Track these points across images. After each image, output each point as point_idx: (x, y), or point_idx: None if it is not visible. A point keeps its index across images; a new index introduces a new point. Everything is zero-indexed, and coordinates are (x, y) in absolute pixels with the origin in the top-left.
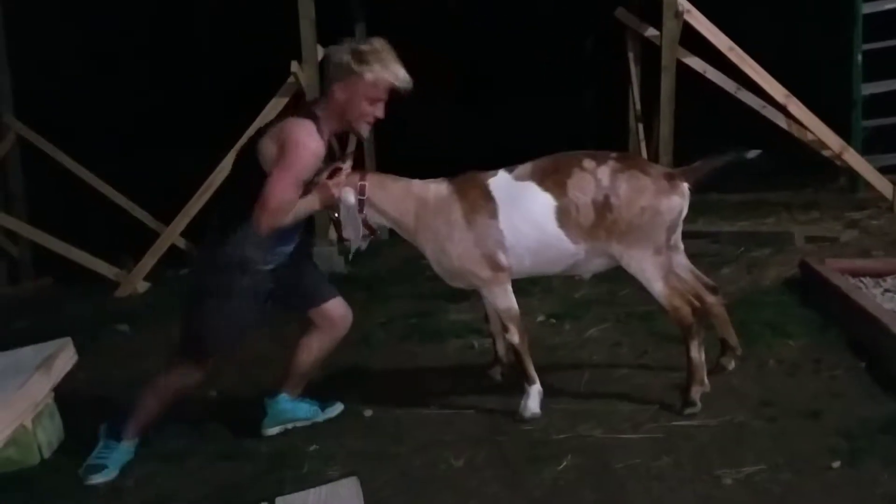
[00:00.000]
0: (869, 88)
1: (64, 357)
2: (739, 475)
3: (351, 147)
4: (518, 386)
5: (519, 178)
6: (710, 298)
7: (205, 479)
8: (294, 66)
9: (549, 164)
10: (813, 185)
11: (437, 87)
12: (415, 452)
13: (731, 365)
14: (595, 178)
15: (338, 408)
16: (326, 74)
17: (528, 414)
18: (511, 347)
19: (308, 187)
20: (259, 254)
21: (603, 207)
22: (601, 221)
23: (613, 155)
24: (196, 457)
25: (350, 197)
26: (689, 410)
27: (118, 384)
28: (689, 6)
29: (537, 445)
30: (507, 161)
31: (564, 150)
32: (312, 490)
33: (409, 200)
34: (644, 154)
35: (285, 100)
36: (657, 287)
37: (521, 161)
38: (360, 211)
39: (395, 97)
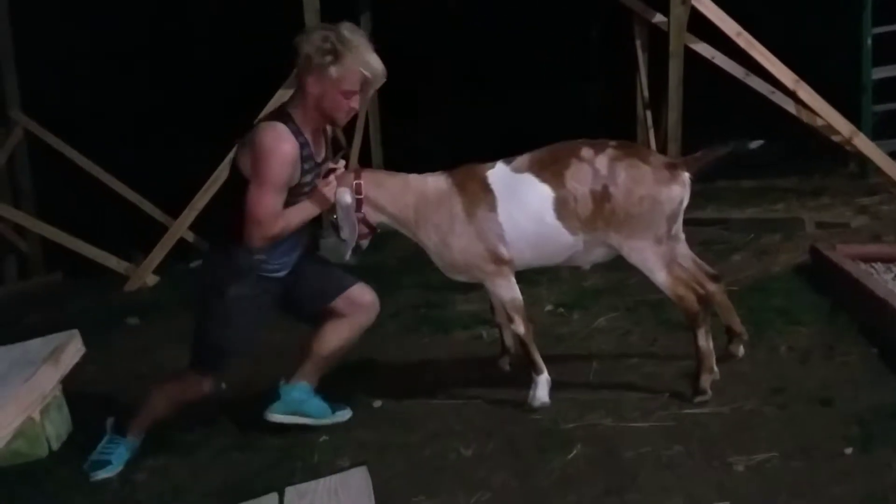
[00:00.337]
0: (879, 73)
1: (72, 349)
2: (751, 462)
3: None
4: (526, 376)
5: (517, 170)
6: (712, 286)
7: (216, 470)
8: None
9: (547, 155)
10: (823, 171)
11: (442, 79)
12: (424, 442)
13: (741, 351)
14: (593, 167)
15: (346, 413)
16: (299, 67)
17: (536, 403)
18: (517, 338)
19: (296, 189)
20: (266, 261)
21: (601, 197)
22: (599, 212)
23: (612, 143)
24: (207, 449)
25: (346, 197)
26: (699, 399)
27: (128, 377)
28: None
29: (546, 435)
30: (515, 153)
31: (571, 139)
32: (322, 479)
33: (408, 195)
34: (653, 142)
35: (291, 91)
36: (660, 277)
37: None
38: (358, 210)
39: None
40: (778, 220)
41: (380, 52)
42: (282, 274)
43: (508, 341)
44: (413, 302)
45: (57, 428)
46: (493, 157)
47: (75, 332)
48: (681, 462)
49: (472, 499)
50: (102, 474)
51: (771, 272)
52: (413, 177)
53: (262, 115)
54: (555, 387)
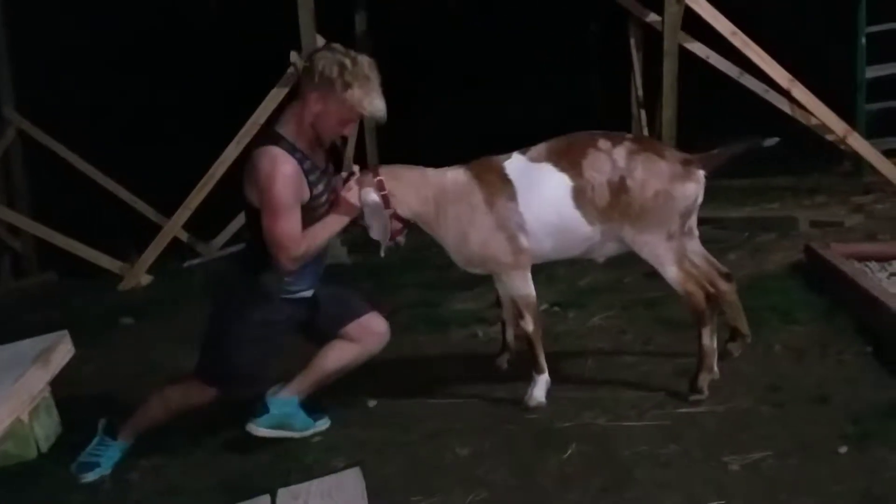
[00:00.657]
0: (873, 71)
1: (61, 350)
2: (747, 461)
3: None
4: (523, 375)
5: (534, 160)
6: (724, 286)
7: (210, 471)
8: (293, 56)
9: (564, 145)
10: (817, 170)
11: (437, 79)
12: (421, 442)
13: (738, 351)
14: (611, 158)
15: (326, 422)
16: (306, 77)
17: (533, 402)
18: (525, 335)
19: (313, 202)
20: (292, 282)
21: (618, 188)
22: (615, 203)
23: (629, 136)
24: (201, 449)
25: (372, 196)
26: (694, 398)
27: (122, 377)
28: None
29: (543, 433)
30: (508, 148)
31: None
32: (315, 481)
33: (427, 188)
34: None
35: (285, 90)
36: (670, 272)
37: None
38: (387, 206)
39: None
40: (772, 219)
41: (375, 50)
42: (309, 294)
43: (509, 339)
44: (410, 301)
45: (46, 429)
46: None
47: (65, 332)
48: (677, 461)
49: (469, 498)
50: (90, 476)
51: (766, 271)
52: (430, 170)
53: (254, 116)
54: (551, 385)
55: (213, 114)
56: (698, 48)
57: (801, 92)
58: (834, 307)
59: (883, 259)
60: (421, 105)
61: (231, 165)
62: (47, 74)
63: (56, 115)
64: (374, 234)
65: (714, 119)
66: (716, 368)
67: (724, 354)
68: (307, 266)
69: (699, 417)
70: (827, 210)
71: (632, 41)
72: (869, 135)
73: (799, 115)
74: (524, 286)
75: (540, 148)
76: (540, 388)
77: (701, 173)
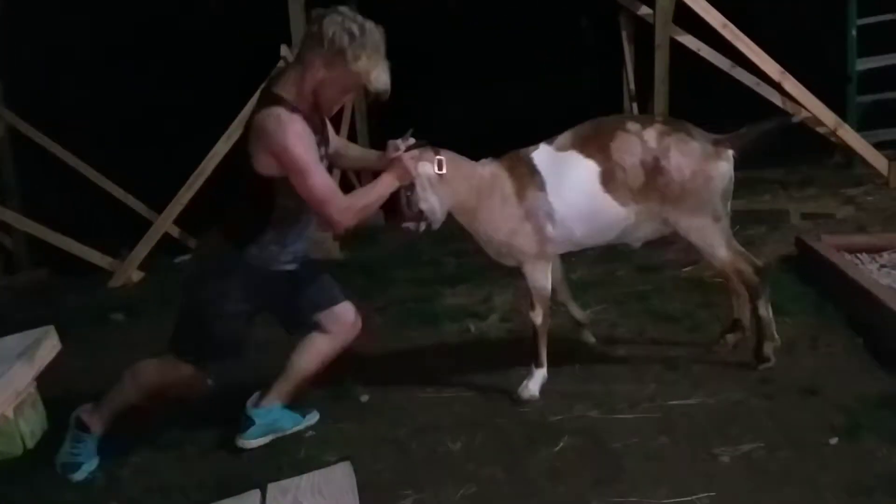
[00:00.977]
0: (863, 64)
1: (47, 346)
2: (737, 453)
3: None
4: (515, 368)
5: (560, 149)
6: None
7: (201, 466)
8: (283, 49)
9: (590, 130)
10: (808, 162)
11: (427, 74)
12: (412, 436)
13: (733, 343)
14: (641, 139)
15: (315, 416)
16: (312, 42)
17: (526, 395)
18: (532, 327)
19: None
20: (279, 252)
21: (653, 170)
22: (652, 184)
23: (658, 118)
24: (192, 445)
25: (430, 169)
26: (763, 366)
27: (112, 373)
28: None
29: (534, 427)
30: (507, 147)
31: (563, 130)
32: (305, 475)
33: (474, 179)
34: None
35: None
36: (721, 253)
37: (519, 144)
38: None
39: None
40: (764, 212)
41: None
42: (294, 266)
43: (579, 316)
44: (402, 296)
45: (32, 426)
46: (483, 152)
47: (51, 328)
48: (668, 453)
49: (461, 492)
50: (78, 476)
51: None
52: (474, 162)
53: (243, 112)
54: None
55: (205, 110)
56: (689, 41)
57: (792, 84)
58: (825, 299)
59: (874, 251)
60: (413, 101)
61: (221, 161)
62: (38, 70)
63: (46, 111)
64: (425, 205)
65: (705, 112)
66: (777, 336)
67: (718, 344)
68: (292, 239)
69: (690, 410)
70: (818, 202)
71: (623, 34)
72: (860, 127)
73: (790, 107)
74: (543, 278)
75: (566, 135)
76: (535, 382)
77: (730, 152)
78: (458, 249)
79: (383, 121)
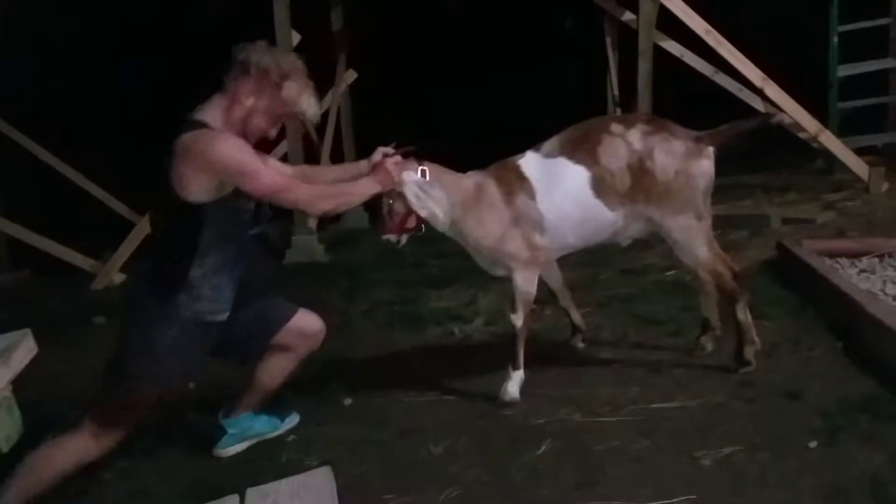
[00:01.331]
0: (845, 70)
1: (23, 349)
2: (718, 456)
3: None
4: (499, 372)
5: (548, 155)
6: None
7: (183, 470)
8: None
9: (577, 135)
10: (789, 168)
11: (412, 74)
12: (395, 439)
13: (710, 346)
14: (626, 141)
15: (295, 418)
16: (234, 71)
17: (507, 397)
18: (512, 331)
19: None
20: (209, 303)
21: (639, 171)
22: (639, 184)
23: (642, 117)
24: (174, 449)
25: (416, 176)
26: (744, 370)
27: (92, 377)
28: None
29: (517, 430)
30: (491, 148)
31: (548, 130)
32: (284, 480)
33: (459, 191)
34: None
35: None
36: (701, 253)
37: (511, 141)
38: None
39: None
40: (745, 217)
41: (353, 45)
42: (223, 317)
43: (577, 321)
44: (386, 299)
45: (7, 430)
46: (468, 152)
47: (27, 331)
48: (649, 456)
49: (444, 495)
50: None
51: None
52: (458, 174)
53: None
54: (526, 382)
55: (186, 112)
56: (673, 47)
57: (773, 90)
58: (805, 303)
59: (853, 255)
60: (395, 103)
61: None
62: (18, 70)
63: (27, 111)
64: (424, 212)
65: (688, 117)
66: (757, 339)
67: (697, 350)
68: (223, 286)
69: (671, 412)
70: (798, 207)
71: (607, 39)
72: (841, 133)
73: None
74: (531, 284)
75: (552, 142)
76: (514, 384)
77: (710, 149)
78: (443, 251)
79: (371, 123)
